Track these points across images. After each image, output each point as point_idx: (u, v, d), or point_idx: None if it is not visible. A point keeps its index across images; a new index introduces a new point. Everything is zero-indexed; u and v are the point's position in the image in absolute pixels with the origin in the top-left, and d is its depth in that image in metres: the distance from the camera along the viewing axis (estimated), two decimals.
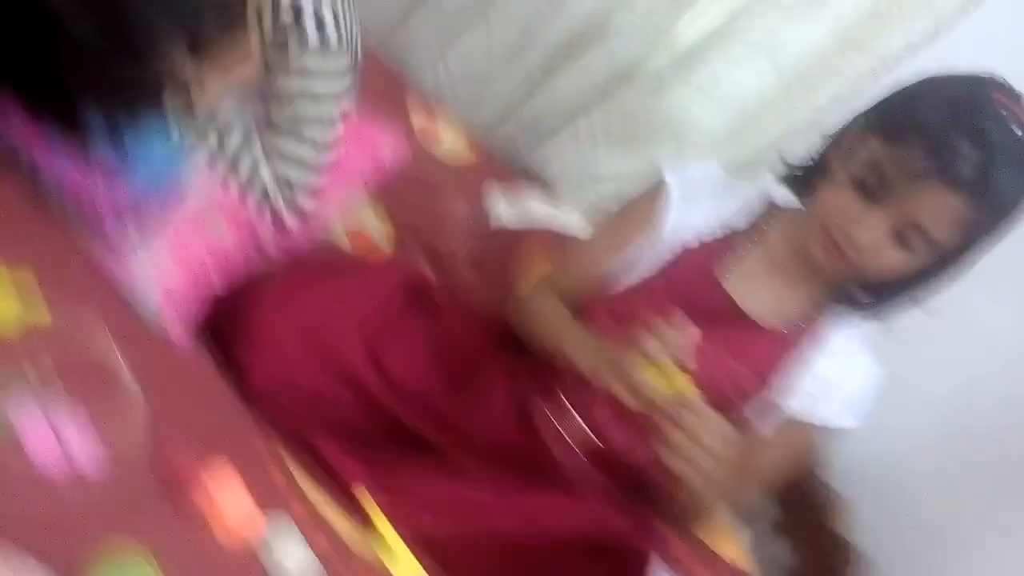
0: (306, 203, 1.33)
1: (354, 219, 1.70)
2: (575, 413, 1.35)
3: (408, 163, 1.76)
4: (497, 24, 2.23)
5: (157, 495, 1.04)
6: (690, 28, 2.16)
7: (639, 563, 1.27)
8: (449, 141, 2.16)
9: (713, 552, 1.64)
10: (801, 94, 2.09)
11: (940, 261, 1.21)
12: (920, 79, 1.23)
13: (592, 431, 1.33)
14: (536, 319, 1.43)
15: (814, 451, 1.56)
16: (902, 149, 1.15)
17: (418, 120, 2.11)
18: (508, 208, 2.01)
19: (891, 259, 1.20)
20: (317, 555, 1.13)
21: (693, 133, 2.16)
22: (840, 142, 1.28)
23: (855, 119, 1.28)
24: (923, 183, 1.13)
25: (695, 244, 1.37)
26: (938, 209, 1.14)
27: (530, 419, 1.38)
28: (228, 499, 1.07)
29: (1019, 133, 1.12)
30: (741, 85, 2.12)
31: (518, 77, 2.28)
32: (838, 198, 1.22)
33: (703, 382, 1.26)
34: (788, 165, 1.38)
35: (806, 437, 1.34)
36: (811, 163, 1.34)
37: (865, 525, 1.95)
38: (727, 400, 1.31)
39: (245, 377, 1.28)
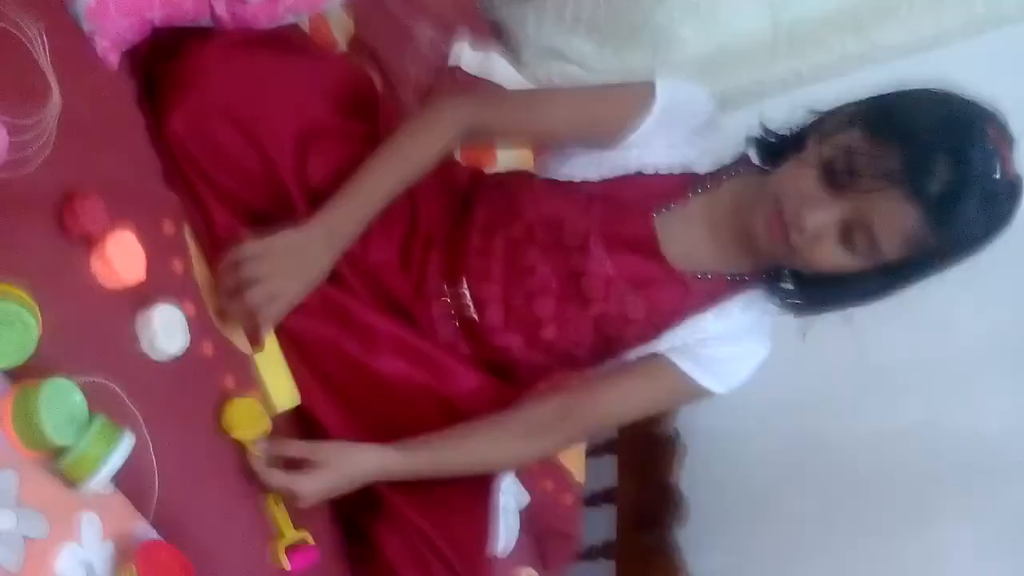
0: None
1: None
2: (465, 282, 1.33)
3: None
4: None
5: (47, 217, 0.98)
6: None
7: None
8: None
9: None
10: (786, 53, 2.08)
11: (873, 273, 1.18)
12: (924, 87, 1.19)
13: (476, 307, 1.32)
14: (413, 124, 1.32)
15: (677, 401, 1.57)
16: (879, 146, 1.11)
17: None
18: (472, 57, 1.94)
19: (827, 253, 1.17)
20: (186, 316, 1.09)
21: (672, 49, 2.12)
22: (824, 122, 1.23)
23: (846, 105, 1.23)
24: (887, 185, 1.10)
25: (651, 172, 1.31)
26: (893, 216, 1.11)
27: (421, 266, 1.36)
28: (119, 246, 1.01)
29: (998, 174, 1.11)
30: (735, 21, 2.09)
31: None
32: (800, 175, 1.17)
33: (602, 318, 1.29)
34: (765, 129, 1.32)
35: (674, 385, 1.31)
36: (788, 135, 1.29)
37: (695, 475, 2.03)
38: (617, 339, 1.31)
39: (161, 118, 1.20)
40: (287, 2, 1.25)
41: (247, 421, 1.13)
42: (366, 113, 1.45)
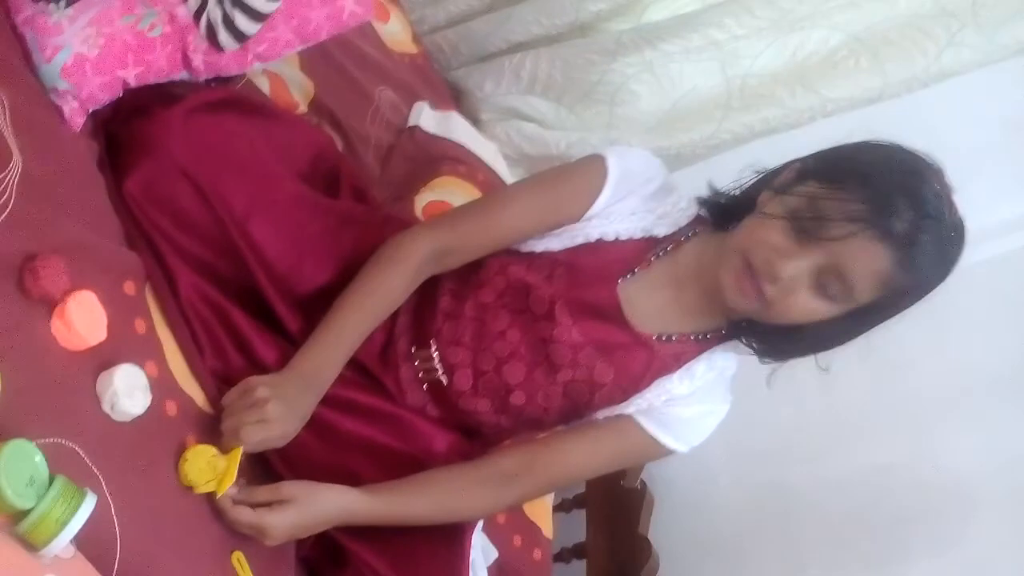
0: (246, 26, 1.26)
1: (278, 63, 1.63)
2: (434, 346, 1.34)
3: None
4: None
5: (7, 278, 0.98)
6: (663, 3, 2.17)
7: None
8: (396, 23, 2.09)
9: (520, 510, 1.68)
10: (738, 108, 2.13)
11: (840, 319, 1.20)
12: (867, 140, 1.23)
13: (445, 371, 1.33)
14: (378, 262, 1.31)
15: (640, 458, 1.59)
16: (842, 192, 1.15)
17: None
18: (431, 117, 1.97)
19: (802, 302, 1.18)
20: (148, 377, 1.09)
21: (626, 106, 2.17)
22: (773, 180, 1.26)
23: (792, 162, 1.26)
24: (856, 229, 1.13)
25: (612, 239, 1.32)
26: (865, 259, 1.13)
27: (387, 330, 1.36)
28: (80, 306, 1.01)
29: (947, 215, 1.15)
30: (687, 78, 2.14)
31: None
32: (767, 228, 1.19)
33: (571, 384, 1.31)
34: (713, 191, 1.35)
35: (638, 443, 1.32)
36: (737, 195, 1.32)
37: (664, 526, 2.03)
38: (586, 404, 1.33)
39: (120, 178, 1.21)
40: (256, 49, 1.27)
41: (207, 471, 1.11)
42: (328, 174, 1.47)
